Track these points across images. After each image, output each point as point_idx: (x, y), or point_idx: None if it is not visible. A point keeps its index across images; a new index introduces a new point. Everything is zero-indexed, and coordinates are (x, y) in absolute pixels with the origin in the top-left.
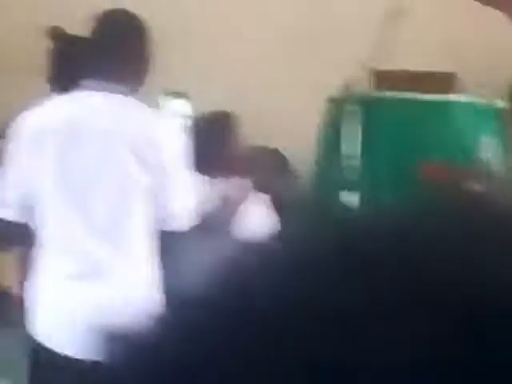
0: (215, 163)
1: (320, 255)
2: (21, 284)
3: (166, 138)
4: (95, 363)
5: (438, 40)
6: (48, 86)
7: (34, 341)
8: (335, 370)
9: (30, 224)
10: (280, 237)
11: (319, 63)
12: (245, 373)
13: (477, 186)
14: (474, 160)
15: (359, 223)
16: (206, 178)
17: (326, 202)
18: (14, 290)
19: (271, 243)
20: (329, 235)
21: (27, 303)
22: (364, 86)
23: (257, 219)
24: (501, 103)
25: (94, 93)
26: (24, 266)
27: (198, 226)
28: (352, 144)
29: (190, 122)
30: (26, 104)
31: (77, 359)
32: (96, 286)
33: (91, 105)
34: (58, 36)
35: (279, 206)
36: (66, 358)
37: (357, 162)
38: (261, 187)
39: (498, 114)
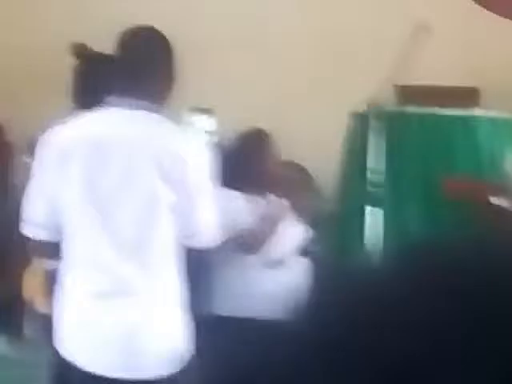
0: (252, 180)
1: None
2: (47, 301)
3: (191, 154)
4: (119, 381)
5: (461, 55)
6: (73, 103)
7: (60, 357)
8: None
9: (59, 241)
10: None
11: (344, 78)
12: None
13: (502, 201)
14: (499, 174)
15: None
16: (243, 195)
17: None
18: (40, 307)
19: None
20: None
21: (53, 320)
22: (388, 101)
23: (292, 237)
24: None
25: (119, 109)
26: (50, 283)
27: (236, 242)
28: (376, 159)
29: (214, 139)
30: (52, 121)
31: (101, 377)
32: (122, 304)
33: (117, 121)
34: (82, 53)
35: (309, 222)
36: (91, 376)
37: (381, 177)
38: (294, 204)
39: None
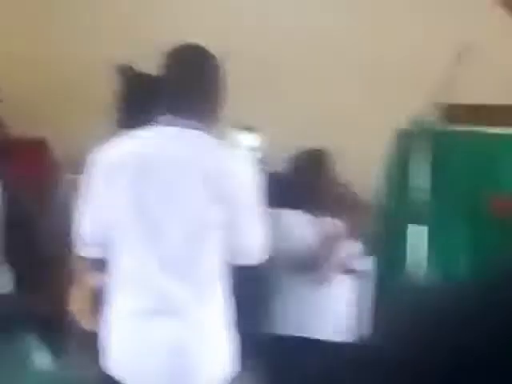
0: (313, 200)
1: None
2: (92, 317)
3: (239, 172)
4: None
5: (507, 73)
6: (117, 123)
7: (105, 374)
8: None
9: (108, 259)
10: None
11: (388, 98)
12: None
13: None
14: None
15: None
16: (305, 214)
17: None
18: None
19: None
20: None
21: (99, 336)
22: (433, 119)
23: (350, 256)
24: None
25: (168, 128)
26: (96, 300)
27: (297, 262)
28: (420, 177)
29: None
30: (97, 139)
31: None
32: (169, 321)
33: (165, 139)
34: (127, 74)
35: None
36: None
37: (425, 196)
38: (352, 224)
39: None
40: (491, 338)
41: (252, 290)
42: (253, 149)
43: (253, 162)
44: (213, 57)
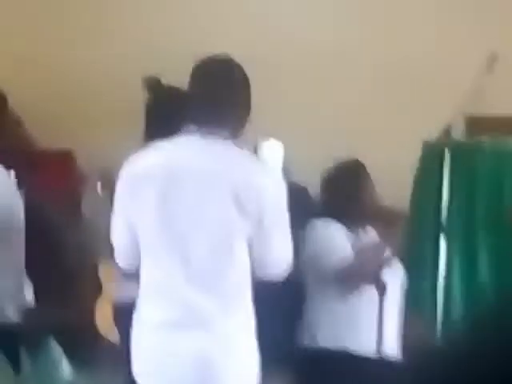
0: (352, 212)
1: None
2: (117, 329)
3: (268, 185)
4: None
5: None
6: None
7: None
8: None
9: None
10: None
11: (415, 109)
12: None
13: None
14: None
15: None
16: (344, 227)
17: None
18: (109, 335)
19: None
20: None
21: (125, 348)
22: (461, 131)
23: (386, 269)
24: None
25: (196, 139)
26: (121, 312)
27: (333, 273)
28: (447, 189)
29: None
30: (125, 152)
31: None
32: (195, 334)
33: (193, 151)
34: (154, 86)
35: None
36: None
37: (452, 207)
38: (390, 237)
39: None
40: None
41: (286, 301)
42: (278, 160)
43: (280, 174)
44: (240, 68)
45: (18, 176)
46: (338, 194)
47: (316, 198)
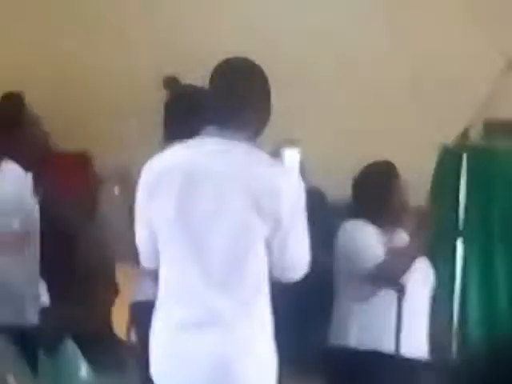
0: (384, 214)
1: None
2: (134, 330)
3: (286, 187)
4: None
5: None
6: (164, 135)
7: None
8: None
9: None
10: None
11: (434, 112)
12: None
13: None
14: None
15: None
16: (376, 228)
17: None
18: (127, 336)
19: None
20: None
21: (142, 348)
22: (479, 135)
23: (420, 276)
24: None
25: (214, 140)
26: (139, 313)
27: (370, 276)
28: (465, 192)
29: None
30: (142, 152)
31: None
32: (213, 335)
33: (212, 152)
34: (172, 86)
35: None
36: None
37: (469, 211)
38: (418, 238)
39: None
40: None
41: (316, 301)
42: (296, 162)
43: (299, 176)
44: (260, 70)
45: (34, 177)
46: (370, 195)
47: (333, 201)
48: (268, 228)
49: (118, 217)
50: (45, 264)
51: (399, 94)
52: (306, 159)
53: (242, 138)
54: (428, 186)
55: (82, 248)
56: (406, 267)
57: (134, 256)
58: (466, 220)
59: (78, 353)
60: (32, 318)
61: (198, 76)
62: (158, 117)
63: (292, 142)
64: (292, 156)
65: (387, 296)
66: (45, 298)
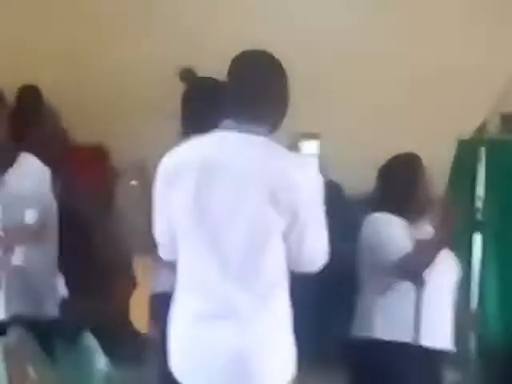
0: (410, 206)
1: None
2: (151, 323)
3: (304, 180)
4: None
5: None
6: (182, 128)
7: (166, 377)
8: None
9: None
10: None
11: (451, 107)
12: None
13: None
14: None
15: None
16: (403, 221)
17: None
18: (144, 329)
19: None
20: None
21: (159, 340)
22: (496, 128)
23: (445, 268)
24: None
25: (232, 133)
26: (156, 306)
27: (396, 269)
28: (483, 186)
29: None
30: (159, 146)
31: None
32: (230, 327)
33: (229, 145)
34: (190, 78)
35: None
36: None
37: (487, 205)
38: (444, 230)
39: None
40: None
41: (334, 294)
42: (315, 156)
43: (316, 169)
44: (278, 63)
45: (52, 171)
46: (396, 187)
47: (351, 195)
48: (285, 222)
49: (135, 210)
50: (62, 257)
51: (417, 88)
52: (324, 153)
53: (260, 132)
54: (446, 180)
55: (99, 241)
56: (430, 260)
57: (152, 248)
58: (484, 212)
59: (97, 345)
60: (51, 310)
61: (216, 68)
62: (175, 110)
63: (310, 136)
64: (310, 149)
65: (411, 288)
66: (63, 291)
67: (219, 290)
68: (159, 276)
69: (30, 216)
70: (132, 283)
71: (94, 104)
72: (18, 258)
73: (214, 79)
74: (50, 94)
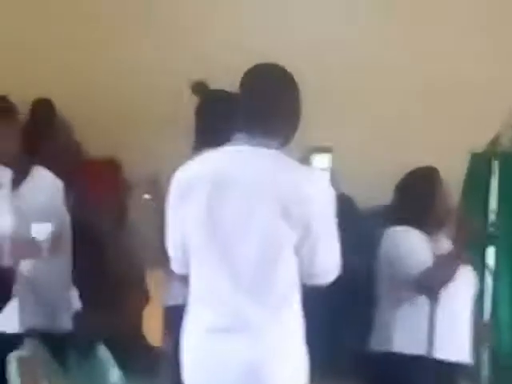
0: (429, 219)
1: None
2: (164, 336)
3: (314, 194)
4: None
5: None
6: (195, 141)
7: None
8: None
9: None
10: None
11: (464, 120)
12: None
13: None
14: None
15: None
16: (422, 234)
17: None
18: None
19: None
20: None
21: (172, 353)
22: (507, 141)
23: (463, 281)
24: None
25: (244, 147)
26: (170, 319)
27: (416, 282)
28: (496, 199)
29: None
30: (172, 159)
31: None
32: (242, 340)
33: (241, 159)
34: (202, 91)
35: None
36: None
37: (500, 217)
38: (461, 243)
39: None
40: None
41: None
42: (326, 169)
43: (328, 182)
44: (290, 76)
45: (65, 184)
46: (414, 200)
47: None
48: (297, 235)
49: (148, 223)
50: (76, 271)
51: (430, 101)
52: (336, 166)
53: (272, 145)
54: (459, 193)
55: (112, 254)
56: (451, 275)
57: (164, 262)
58: (497, 225)
59: (111, 358)
60: (65, 323)
61: (228, 82)
62: (188, 123)
63: (322, 150)
64: (322, 163)
65: (426, 301)
66: (77, 305)
67: (231, 303)
68: (172, 289)
69: (42, 230)
70: (145, 297)
71: (107, 118)
72: (27, 269)
73: (227, 92)
74: (62, 109)
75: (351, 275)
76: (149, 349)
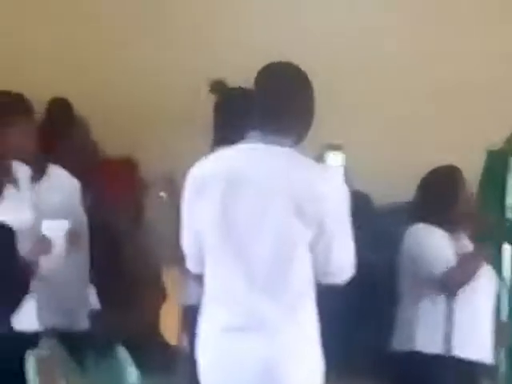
0: (450, 218)
1: None
2: (181, 335)
3: (328, 192)
4: None
5: None
6: (212, 139)
7: None
8: None
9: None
10: None
11: (479, 118)
12: None
13: None
14: None
15: None
16: (445, 233)
17: None
18: (174, 341)
19: None
20: None
21: (189, 352)
22: None
23: (484, 280)
24: None
25: (259, 145)
26: (186, 318)
27: (437, 282)
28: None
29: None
30: (188, 157)
31: None
32: (258, 339)
33: (255, 157)
34: (220, 89)
35: None
36: None
37: None
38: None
39: None
40: None
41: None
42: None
43: (342, 180)
44: (304, 75)
45: (82, 183)
46: (437, 199)
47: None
48: (311, 233)
49: (164, 222)
50: (93, 270)
51: (445, 99)
52: (350, 164)
53: (286, 143)
54: (475, 191)
55: (129, 253)
56: (473, 274)
57: (180, 260)
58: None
59: (128, 357)
60: (83, 322)
61: (242, 80)
62: (204, 121)
63: (335, 147)
64: (335, 161)
65: (444, 300)
66: (95, 303)
67: (246, 302)
68: (190, 288)
69: (53, 227)
70: (162, 295)
71: (123, 117)
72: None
73: (244, 89)
74: (79, 108)
75: (367, 272)
76: (166, 347)
